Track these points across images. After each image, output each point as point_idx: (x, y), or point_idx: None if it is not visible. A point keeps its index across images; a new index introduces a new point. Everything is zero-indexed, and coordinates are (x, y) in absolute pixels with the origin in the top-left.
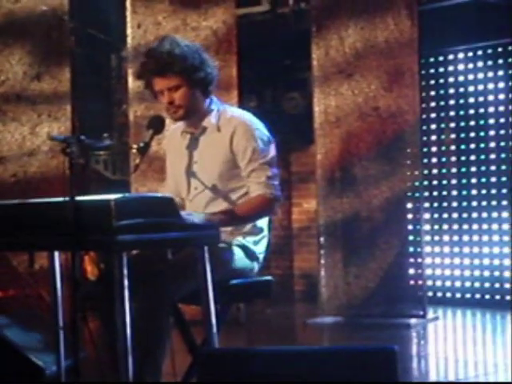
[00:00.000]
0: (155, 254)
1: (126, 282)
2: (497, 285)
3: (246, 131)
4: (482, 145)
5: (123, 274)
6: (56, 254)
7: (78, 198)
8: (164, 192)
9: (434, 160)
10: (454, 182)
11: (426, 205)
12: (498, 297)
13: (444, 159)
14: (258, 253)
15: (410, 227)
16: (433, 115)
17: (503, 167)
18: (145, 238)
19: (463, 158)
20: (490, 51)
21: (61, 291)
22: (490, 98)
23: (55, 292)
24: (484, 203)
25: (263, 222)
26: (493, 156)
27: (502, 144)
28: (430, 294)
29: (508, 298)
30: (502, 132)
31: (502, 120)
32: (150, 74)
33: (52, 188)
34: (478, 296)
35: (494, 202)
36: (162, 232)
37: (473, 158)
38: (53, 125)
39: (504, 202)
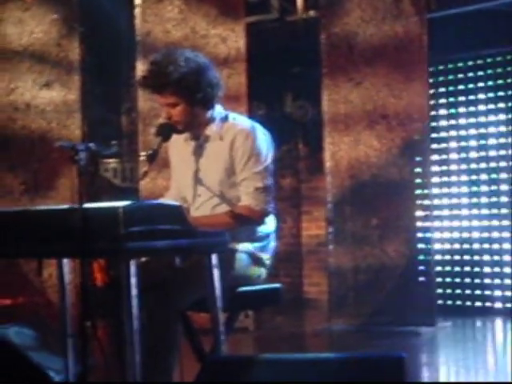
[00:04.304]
0: (163, 261)
1: (134, 290)
2: (508, 293)
3: (245, 139)
4: (493, 153)
5: (131, 281)
6: (65, 261)
7: (87, 206)
8: (168, 198)
9: (444, 168)
10: (464, 189)
11: (436, 213)
12: (508, 305)
13: (454, 167)
14: (264, 259)
15: (420, 235)
16: (442, 123)
17: None
18: (153, 246)
19: (473, 166)
20: (499, 59)
21: (70, 299)
22: (501, 105)
23: (64, 299)
24: (494, 211)
25: (269, 228)
26: (503, 163)
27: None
28: (440, 302)
29: None
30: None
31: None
32: (149, 90)
33: (61, 196)
34: (488, 304)
35: (505, 210)
36: (169, 239)
37: (483, 165)
38: (62, 132)
39: None
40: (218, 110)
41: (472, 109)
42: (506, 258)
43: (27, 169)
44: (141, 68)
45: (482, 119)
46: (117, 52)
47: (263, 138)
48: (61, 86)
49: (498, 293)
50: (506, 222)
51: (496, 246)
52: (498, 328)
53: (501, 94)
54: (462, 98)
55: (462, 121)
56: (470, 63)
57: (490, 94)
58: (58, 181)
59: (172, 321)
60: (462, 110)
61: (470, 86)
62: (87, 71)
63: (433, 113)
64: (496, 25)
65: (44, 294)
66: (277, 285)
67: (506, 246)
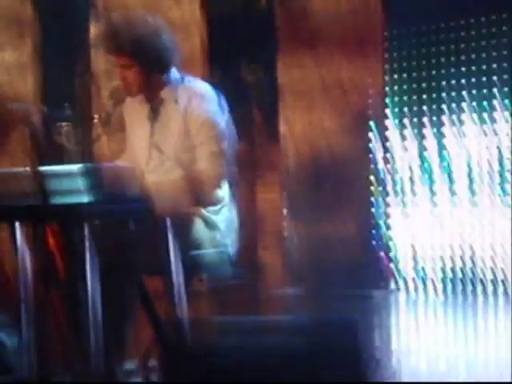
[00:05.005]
0: (117, 225)
1: (88, 253)
2: (458, 261)
3: (200, 102)
4: (445, 117)
5: (85, 244)
6: (17, 225)
7: (40, 169)
8: (123, 161)
9: (397, 133)
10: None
11: (390, 177)
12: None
13: (407, 132)
14: (218, 222)
15: (373, 199)
16: (396, 87)
17: None
18: (107, 209)
19: (426, 132)
20: (452, 24)
21: (23, 264)
22: (453, 70)
23: (17, 264)
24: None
25: (223, 192)
26: (455, 129)
27: (464, 117)
28: (393, 265)
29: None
30: (465, 104)
31: (464, 92)
32: (104, 50)
33: (13, 159)
34: (439, 271)
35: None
36: (123, 202)
37: (435, 130)
38: (14, 95)
39: None
40: (174, 72)
41: (424, 74)
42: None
43: None
44: (94, 30)
45: (434, 84)
46: (70, 13)
47: (217, 101)
48: (12, 49)
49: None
50: (458, 191)
51: (453, 213)
52: (449, 293)
53: (453, 59)
54: (414, 63)
55: (415, 86)
56: (424, 28)
57: (443, 59)
58: (11, 144)
59: (128, 284)
60: (415, 74)
61: (424, 50)
62: (39, 33)
63: (386, 77)
64: None
65: None
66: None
67: (457, 212)
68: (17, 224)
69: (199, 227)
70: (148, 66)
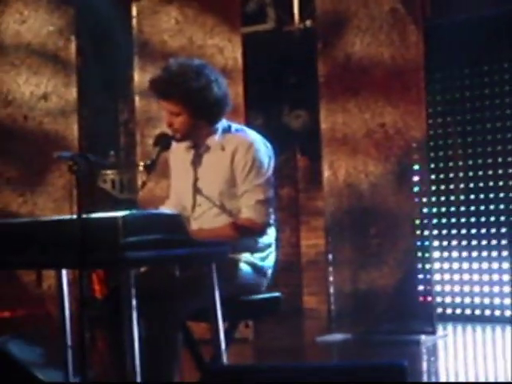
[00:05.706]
0: (163, 271)
1: (133, 300)
2: (507, 300)
3: (247, 151)
4: (490, 160)
5: (131, 290)
6: (64, 272)
7: (85, 216)
8: (168, 207)
9: (442, 176)
10: (462, 197)
11: (435, 221)
12: (508, 312)
13: (451, 175)
14: (265, 268)
15: (419, 243)
16: (440, 131)
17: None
18: (152, 255)
19: (471, 174)
20: (496, 66)
21: (69, 310)
22: (498, 112)
23: (63, 311)
24: (493, 218)
25: (270, 238)
26: (500, 171)
27: (510, 159)
28: (440, 310)
29: None
30: (510, 147)
31: (509, 135)
32: (155, 94)
33: (59, 207)
34: (487, 312)
35: (502, 218)
36: (169, 249)
37: (480, 173)
38: (60, 144)
39: None
40: (222, 121)
41: (468, 117)
42: (505, 265)
43: (25, 181)
44: (139, 79)
45: (479, 127)
46: (114, 63)
47: (265, 150)
48: (58, 98)
49: (497, 300)
50: (503, 230)
51: (494, 254)
52: (498, 335)
53: (497, 101)
54: (458, 106)
55: (459, 128)
56: (467, 71)
57: (487, 102)
58: (57, 192)
59: (172, 331)
60: (459, 117)
61: (467, 93)
62: (84, 83)
63: (430, 121)
64: (493, 32)
65: (43, 305)
66: (277, 294)
67: (505, 252)
68: (63, 271)
69: (247, 273)
70: (197, 116)
